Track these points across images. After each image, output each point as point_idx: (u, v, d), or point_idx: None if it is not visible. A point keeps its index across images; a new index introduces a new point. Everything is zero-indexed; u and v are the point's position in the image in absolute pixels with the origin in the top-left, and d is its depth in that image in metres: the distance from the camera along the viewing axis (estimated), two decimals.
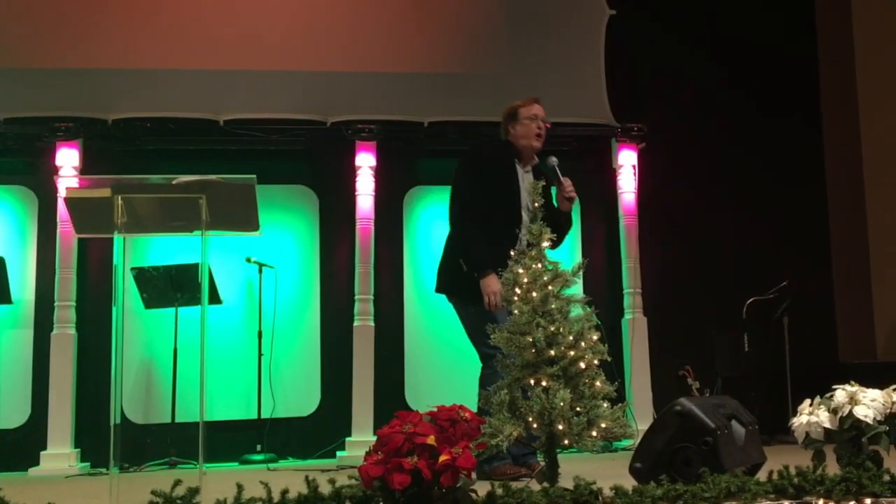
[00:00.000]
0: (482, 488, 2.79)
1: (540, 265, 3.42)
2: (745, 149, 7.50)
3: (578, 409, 3.24)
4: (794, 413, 3.48)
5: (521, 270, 3.41)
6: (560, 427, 3.18)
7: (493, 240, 4.39)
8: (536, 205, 3.54)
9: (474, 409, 2.92)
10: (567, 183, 4.54)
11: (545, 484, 3.11)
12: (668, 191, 7.20)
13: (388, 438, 2.68)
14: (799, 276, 7.04)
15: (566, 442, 3.23)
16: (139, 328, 6.41)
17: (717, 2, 7.65)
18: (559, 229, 4.33)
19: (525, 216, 4.45)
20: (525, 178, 4.57)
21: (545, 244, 3.46)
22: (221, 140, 6.68)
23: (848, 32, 7.95)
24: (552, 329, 3.29)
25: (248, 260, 6.46)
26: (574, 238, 7.07)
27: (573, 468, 3.20)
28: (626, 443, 5.18)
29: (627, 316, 6.85)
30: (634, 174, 6.98)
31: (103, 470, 5.80)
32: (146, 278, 6.10)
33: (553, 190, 4.61)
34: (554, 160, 4.55)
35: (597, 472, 3.19)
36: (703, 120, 7.45)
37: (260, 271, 6.46)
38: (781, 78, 7.68)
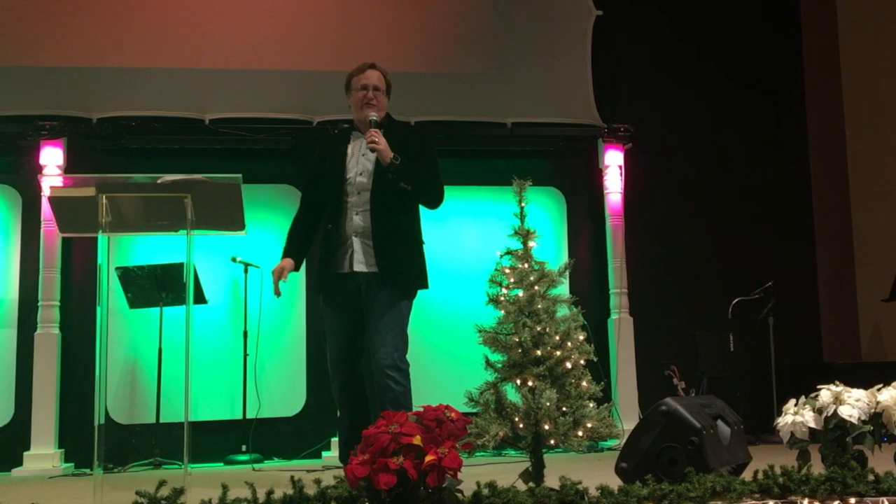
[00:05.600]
0: (468, 488, 2.79)
1: (526, 265, 3.43)
2: (731, 149, 7.53)
3: (564, 408, 3.24)
4: (779, 413, 3.50)
5: (507, 270, 3.42)
6: (546, 427, 3.18)
7: (311, 227, 4.46)
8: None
9: (460, 409, 2.92)
10: (368, 135, 4.17)
11: (531, 484, 3.11)
12: (654, 191, 7.22)
13: (374, 439, 2.67)
14: (784, 277, 7.07)
15: (552, 442, 3.24)
16: (124, 328, 6.38)
17: (702, 2, 7.68)
18: (411, 185, 4.19)
19: (359, 180, 4.26)
20: (366, 146, 4.27)
21: (531, 244, 3.47)
22: (207, 139, 6.64)
23: (833, 33, 7.99)
24: (538, 329, 3.30)
25: (234, 260, 6.43)
26: (560, 238, 7.09)
27: (559, 468, 3.20)
28: (611, 442, 5.20)
29: (614, 316, 6.86)
30: (621, 174, 6.99)
31: (87, 470, 5.77)
32: (131, 278, 6.07)
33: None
34: (372, 116, 4.24)
35: (583, 471, 3.19)
36: (689, 120, 7.48)
37: (245, 271, 6.43)
38: (768, 79, 7.72)
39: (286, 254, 4.44)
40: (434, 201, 4.36)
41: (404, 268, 4.26)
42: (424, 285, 4.38)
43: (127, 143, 6.61)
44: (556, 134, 7.07)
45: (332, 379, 4.32)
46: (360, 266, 4.21)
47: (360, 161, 4.32)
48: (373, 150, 4.16)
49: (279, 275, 4.34)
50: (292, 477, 2.81)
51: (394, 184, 4.18)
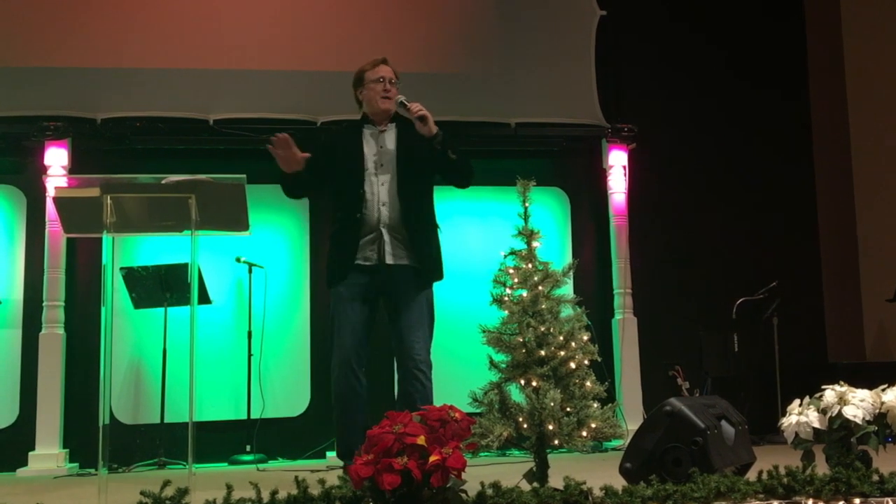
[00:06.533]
0: (472, 488, 2.79)
1: (530, 265, 3.43)
2: (735, 149, 7.53)
3: (569, 409, 3.25)
4: (784, 413, 3.49)
5: (511, 271, 3.42)
6: (550, 427, 3.18)
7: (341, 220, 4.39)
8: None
9: (464, 409, 2.92)
10: (413, 106, 4.24)
11: (535, 484, 3.11)
12: (658, 191, 7.21)
13: (378, 439, 2.67)
14: (788, 277, 7.06)
15: (556, 442, 3.24)
16: (128, 328, 6.39)
17: (707, 1, 7.68)
18: (445, 169, 4.32)
19: (382, 172, 4.30)
20: (383, 138, 4.38)
21: (535, 244, 3.47)
22: (211, 140, 6.65)
23: (837, 32, 7.99)
24: (542, 329, 3.30)
25: (238, 260, 6.44)
26: (564, 238, 7.09)
27: (563, 468, 3.20)
28: (616, 443, 5.19)
29: (617, 316, 6.86)
30: (625, 174, 6.98)
31: (92, 470, 5.77)
32: (135, 278, 6.08)
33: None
34: (399, 98, 4.32)
35: (587, 472, 3.19)
36: (693, 121, 7.47)
37: (250, 271, 6.44)
38: (772, 79, 7.71)
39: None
40: (470, 176, 4.44)
41: (434, 258, 4.36)
42: (441, 275, 4.44)
43: (131, 144, 6.62)
44: (559, 134, 7.07)
45: (340, 373, 4.30)
46: (390, 259, 4.26)
47: (379, 153, 4.35)
48: (422, 119, 4.18)
49: (290, 144, 4.24)
50: (296, 477, 2.81)
51: (440, 155, 4.22)
